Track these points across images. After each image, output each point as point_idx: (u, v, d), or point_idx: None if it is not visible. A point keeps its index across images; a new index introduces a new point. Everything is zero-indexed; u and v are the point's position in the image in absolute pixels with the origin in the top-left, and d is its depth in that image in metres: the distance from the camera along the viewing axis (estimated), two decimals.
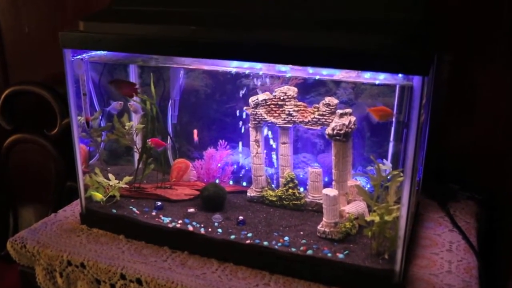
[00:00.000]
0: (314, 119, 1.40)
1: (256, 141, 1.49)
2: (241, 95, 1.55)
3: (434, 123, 1.50)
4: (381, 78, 1.18)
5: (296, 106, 1.43)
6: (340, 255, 1.22)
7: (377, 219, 1.19)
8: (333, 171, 1.36)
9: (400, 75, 1.12)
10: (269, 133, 1.54)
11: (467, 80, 1.58)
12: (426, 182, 1.54)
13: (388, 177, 1.19)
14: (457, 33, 1.54)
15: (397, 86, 1.32)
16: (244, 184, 1.61)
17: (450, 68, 1.57)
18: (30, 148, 2.10)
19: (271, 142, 1.55)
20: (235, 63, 1.32)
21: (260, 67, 1.31)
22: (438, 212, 1.54)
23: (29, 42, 2.08)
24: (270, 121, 1.46)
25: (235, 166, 1.61)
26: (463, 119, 1.62)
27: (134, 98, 1.51)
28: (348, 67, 1.12)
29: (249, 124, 1.49)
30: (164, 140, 1.58)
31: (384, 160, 1.30)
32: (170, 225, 1.37)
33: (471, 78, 1.57)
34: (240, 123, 1.58)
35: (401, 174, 1.13)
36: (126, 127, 1.54)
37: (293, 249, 1.25)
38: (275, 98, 1.44)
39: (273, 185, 1.53)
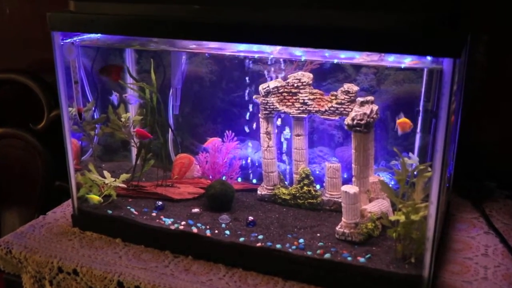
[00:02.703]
0: (332, 108, 1.43)
1: (267, 133, 1.52)
2: (250, 82, 1.57)
3: (467, 112, 1.51)
4: (407, 61, 1.20)
5: (312, 94, 1.45)
6: (361, 259, 1.25)
7: (402, 218, 1.21)
8: (353, 166, 1.39)
9: (428, 57, 1.13)
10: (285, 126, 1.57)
11: (505, 63, 1.59)
12: (458, 179, 1.56)
13: (415, 172, 1.21)
14: (494, 10, 1.54)
15: (425, 70, 1.34)
16: (254, 181, 1.64)
17: (485, 50, 1.58)
18: (14, 143, 2.12)
19: (284, 134, 1.58)
20: (243, 47, 1.34)
21: (271, 51, 1.33)
22: (472, 212, 1.56)
23: (11, 24, 2.09)
24: (283, 111, 1.48)
25: (244, 161, 1.64)
26: (500, 107, 1.63)
27: (132, 86, 1.54)
28: (369, 49, 1.13)
29: (259, 115, 1.52)
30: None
31: (410, 154, 1.30)
32: (172, 227, 1.41)
33: (509, 61, 1.58)
34: (249, 113, 1.61)
35: (429, 169, 1.15)
36: (123, 119, 1.56)
37: (309, 253, 1.28)
38: (288, 85, 1.47)
39: (286, 182, 1.55)
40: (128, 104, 1.61)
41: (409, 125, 1.30)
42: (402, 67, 1.25)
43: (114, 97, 1.54)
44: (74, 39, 1.42)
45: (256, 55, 1.41)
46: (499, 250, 1.37)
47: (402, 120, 1.30)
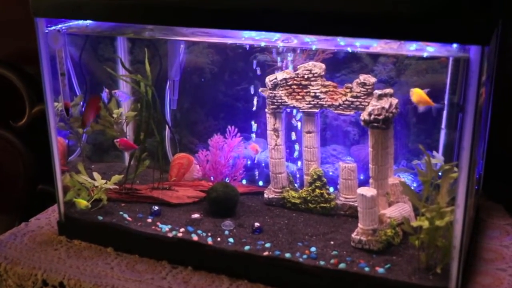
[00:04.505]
0: (346, 102, 1.44)
1: (275, 130, 1.53)
2: (255, 73, 1.59)
3: (498, 106, 1.52)
4: (430, 50, 1.21)
5: (324, 86, 1.46)
6: (380, 270, 1.26)
7: (426, 224, 1.22)
8: (370, 166, 1.40)
9: (454, 45, 1.14)
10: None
11: None
12: (488, 181, 1.57)
13: (439, 173, 1.22)
14: None
15: (450, 60, 1.35)
16: (261, 183, 1.65)
17: None
18: None
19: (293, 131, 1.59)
20: (247, 34, 1.35)
21: (278, 38, 1.34)
22: (505, 218, 1.57)
23: None
24: (292, 105, 1.49)
25: (249, 161, 1.65)
26: None
27: (125, 78, 1.55)
28: (388, 36, 1.14)
29: (266, 110, 1.53)
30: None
31: (434, 152, 1.31)
32: (170, 235, 1.42)
33: None
34: (255, 108, 1.62)
35: (455, 169, 1.16)
36: (114, 115, 1.58)
37: (322, 263, 1.29)
38: (297, 77, 1.48)
39: (296, 185, 1.57)
40: (121, 99, 1.63)
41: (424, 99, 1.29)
42: (425, 56, 1.26)
43: (105, 94, 1.56)
44: (60, 26, 1.44)
45: (262, 44, 1.41)
46: None
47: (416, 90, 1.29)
